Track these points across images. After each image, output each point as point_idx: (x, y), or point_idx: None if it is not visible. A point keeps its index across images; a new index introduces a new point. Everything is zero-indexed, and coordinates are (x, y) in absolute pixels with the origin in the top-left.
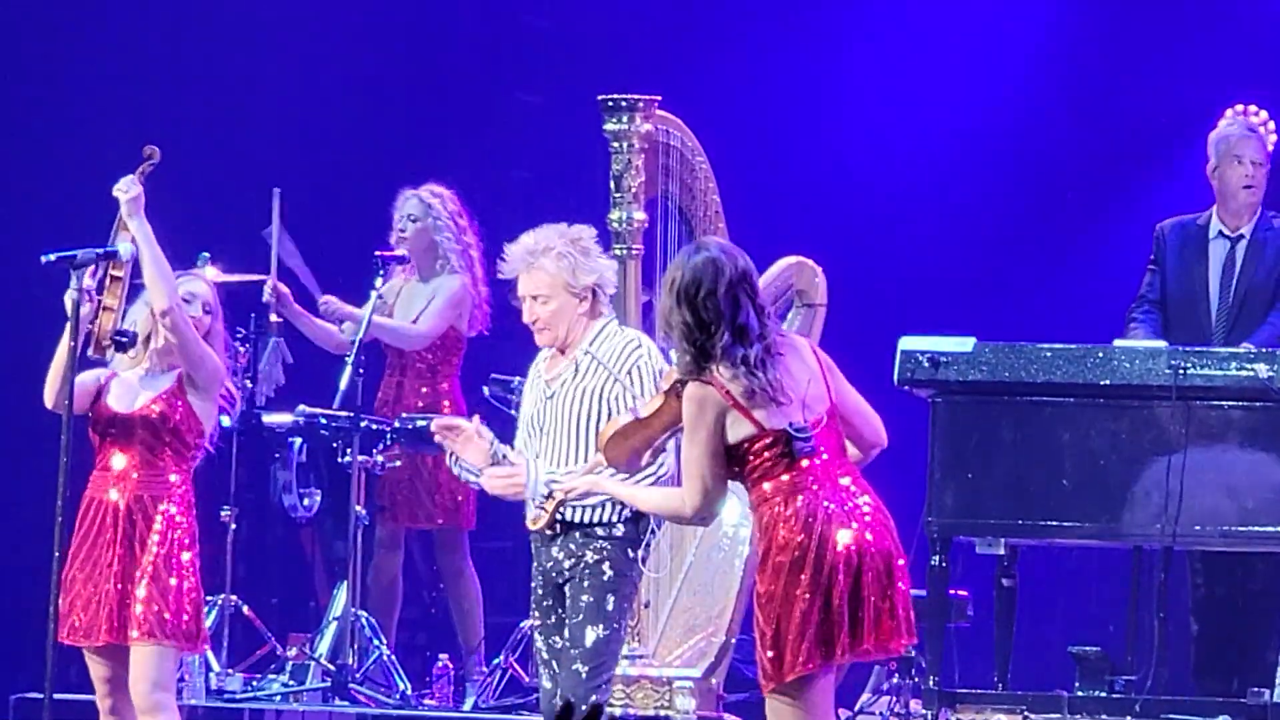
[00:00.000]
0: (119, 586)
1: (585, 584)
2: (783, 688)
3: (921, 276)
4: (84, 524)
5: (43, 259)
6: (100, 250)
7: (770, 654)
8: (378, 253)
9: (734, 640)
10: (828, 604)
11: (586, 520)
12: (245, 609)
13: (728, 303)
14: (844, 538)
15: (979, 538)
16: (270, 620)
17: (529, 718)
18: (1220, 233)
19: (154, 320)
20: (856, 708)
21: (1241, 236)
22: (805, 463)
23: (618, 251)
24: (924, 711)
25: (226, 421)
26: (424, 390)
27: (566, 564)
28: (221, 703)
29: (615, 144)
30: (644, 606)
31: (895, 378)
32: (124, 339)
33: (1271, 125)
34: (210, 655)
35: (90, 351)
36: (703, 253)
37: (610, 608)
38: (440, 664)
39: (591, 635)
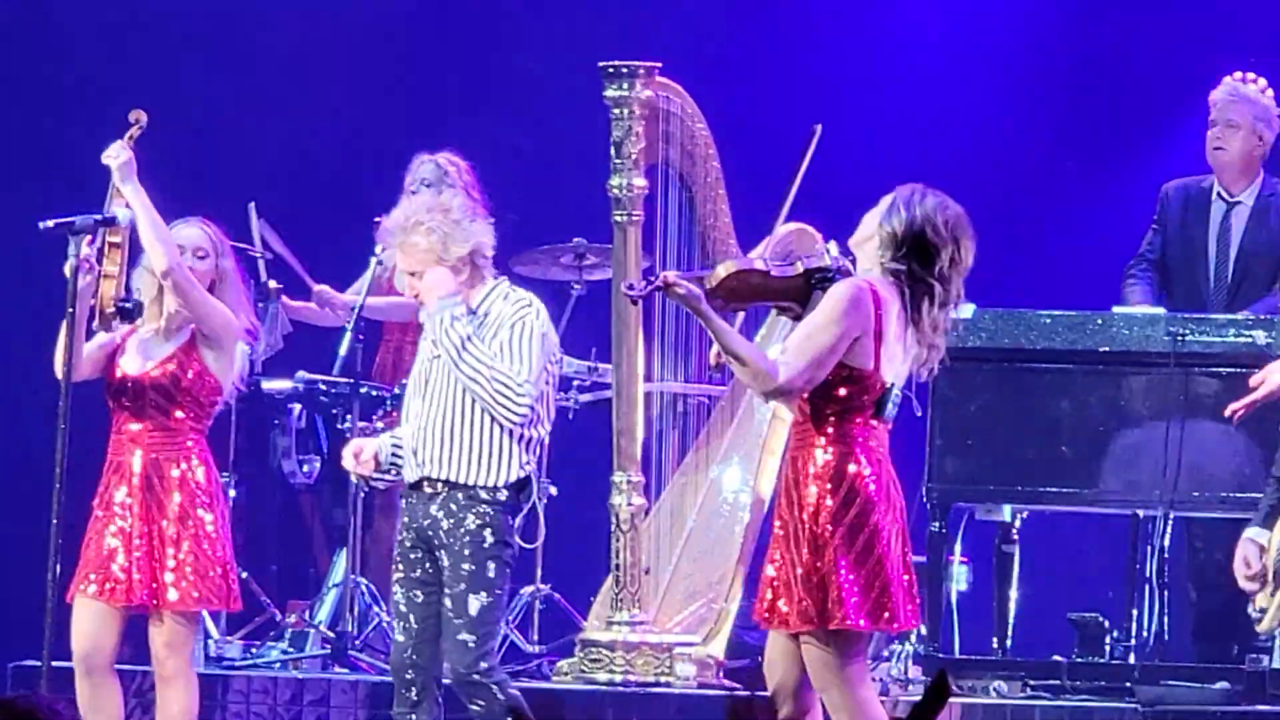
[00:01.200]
0: (141, 551)
1: (466, 551)
2: (840, 636)
3: None
4: (106, 489)
5: (41, 225)
6: (98, 216)
7: (836, 596)
8: (378, 219)
9: (735, 606)
10: (895, 568)
11: (469, 482)
12: (244, 576)
13: (952, 255)
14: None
15: (978, 504)
16: (269, 587)
17: (529, 685)
18: (1219, 195)
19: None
20: None
21: (1239, 202)
22: (879, 426)
23: (618, 218)
24: (924, 678)
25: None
26: None
27: (445, 524)
28: (220, 670)
29: (615, 110)
30: (644, 573)
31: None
32: (128, 306)
33: (1269, 92)
34: (209, 622)
35: (95, 324)
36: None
37: (492, 574)
38: None
39: (475, 604)
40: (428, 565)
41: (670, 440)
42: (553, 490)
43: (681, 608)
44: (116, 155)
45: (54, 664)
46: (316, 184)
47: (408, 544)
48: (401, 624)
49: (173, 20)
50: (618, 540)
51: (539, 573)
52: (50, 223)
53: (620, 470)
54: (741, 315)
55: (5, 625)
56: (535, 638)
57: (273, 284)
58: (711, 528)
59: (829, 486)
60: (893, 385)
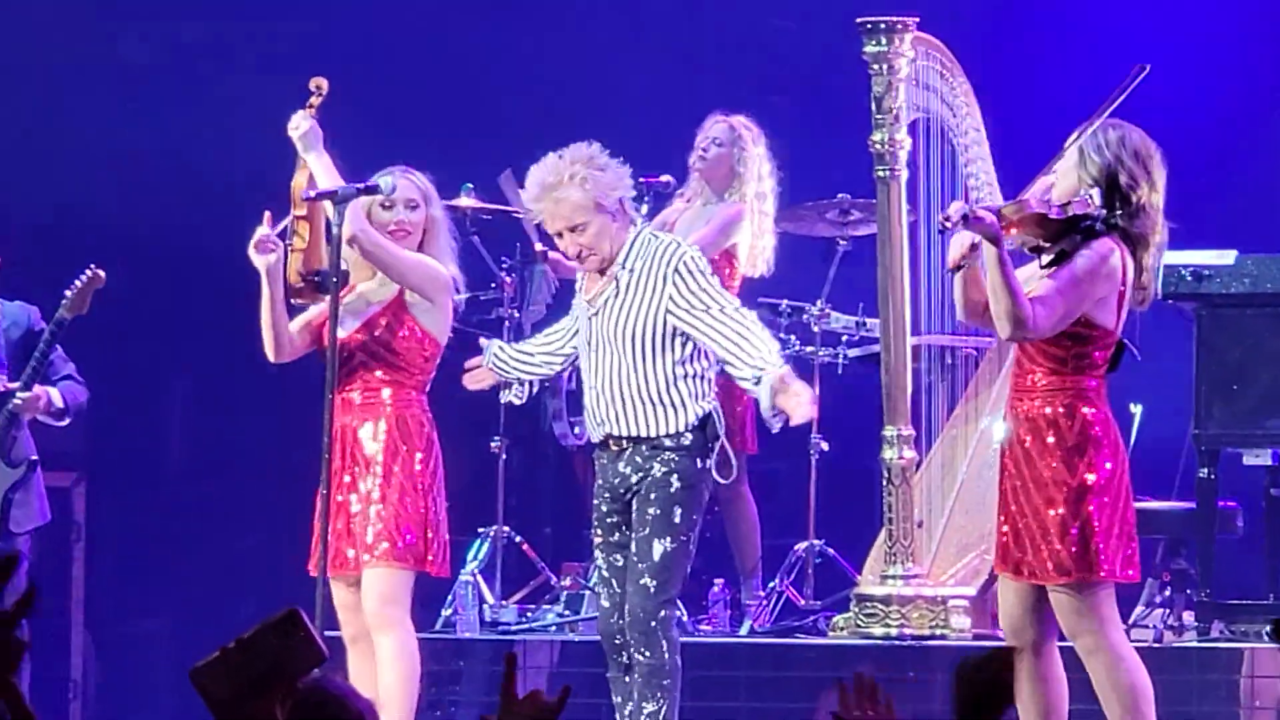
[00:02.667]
0: (350, 513)
1: (652, 496)
2: (1095, 585)
3: (1179, 190)
4: (329, 456)
5: (303, 197)
6: (360, 185)
7: (1095, 547)
8: (641, 179)
9: None
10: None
11: (652, 434)
12: (518, 540)
13: (1149, 188)
14: None
15: (1246, 449)
16: (543, 551)
17: (805, 640)
18: None
19: None
20: (1130, 620)
21: None
22: (1105, 377)
23: (880, 173)
24: (1197, 624)
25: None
26: None
27: (633, 478)
28: (496, 635)
29: (874, 66)
30: (917, 526)
31: (1159, 292)
32: (317, 279)
33: None
34: (484, 587)
35: (292, 299)
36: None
37: (678, 520)
38: (716, 589)
39: (659, 549)
40: (624, 528)
41: (939, 393)
42: (824, 446)
43: (955, 560)
44: (298, 126)
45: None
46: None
47: (604, 507)
48: (606, 590)
49: None
50: (889, 494)
51: (812, 528)
52: (312, 193)
53: (890, 424)
54: None
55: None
56: (810, 593)
57: (538, 246)
58: (982, 479)
59: (1072, 440)
60: (1124, 341)
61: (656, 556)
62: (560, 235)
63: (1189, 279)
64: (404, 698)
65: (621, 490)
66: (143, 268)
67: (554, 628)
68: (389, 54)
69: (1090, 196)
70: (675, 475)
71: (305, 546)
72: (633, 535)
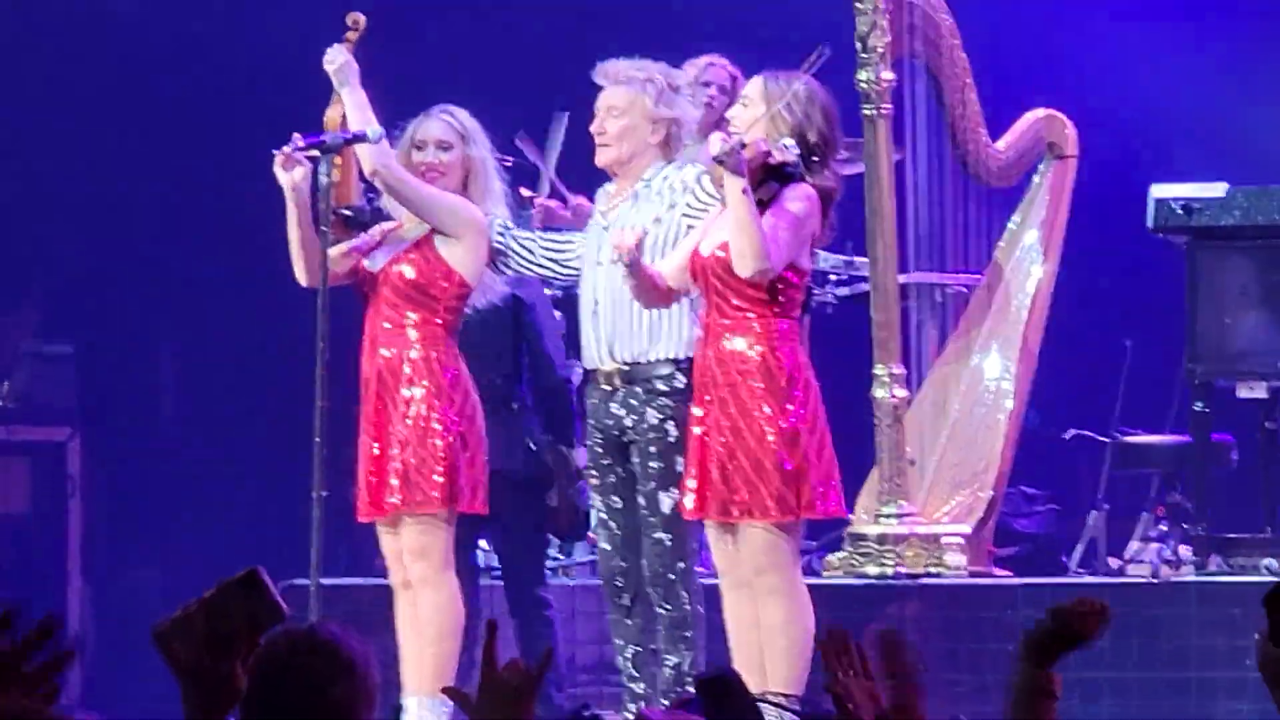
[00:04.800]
0: (378, 455)
1: (652, 449)
2: (796, 527)
3: (1168, 123)
4: (362, 398)
5: (293, 143)
6: (349, 135)
7: (814, 485)
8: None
9: (1001, 493)
10: None
11: (644, 375)
12: None
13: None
14: None
15: (1240, 382)
16: None
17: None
18: None
19: None
20: (1126, 555)
21: None
22: (800, 319)
23: (866, 112)
24: (1194, 558)
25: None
26: None
27: (627, 421)
28: (490, 580)
29: (859, 4)
30: (909, 464)
31: (1150, 225)
32: (349, 214)
33: None
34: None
35: (324, 228)
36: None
37: (680, 469)
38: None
39: (667, 501)
40: (619, 469)
41: (929, 331)
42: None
43: (948, 497)
44: (334, 60)
45: (323, 581)
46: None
47: (597, 449)
48: (605, 532)
49: None
50: (881, 433)
51: None
52: (301, 141)
53: (881, 363)
54: None
55: (275, 545)
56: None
57: (525, 192)
58: (974, 416)
59: (782, 380)
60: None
61: (666, 509)
62: (599, 112)
63: (1180, 212)
64: (434, 658)
65: (615, 433)
66: (139, 218)
67: (548, 572)
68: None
69: (788, 146)
70: (672, 422)
71: (300, 494)
72: (638, 488)
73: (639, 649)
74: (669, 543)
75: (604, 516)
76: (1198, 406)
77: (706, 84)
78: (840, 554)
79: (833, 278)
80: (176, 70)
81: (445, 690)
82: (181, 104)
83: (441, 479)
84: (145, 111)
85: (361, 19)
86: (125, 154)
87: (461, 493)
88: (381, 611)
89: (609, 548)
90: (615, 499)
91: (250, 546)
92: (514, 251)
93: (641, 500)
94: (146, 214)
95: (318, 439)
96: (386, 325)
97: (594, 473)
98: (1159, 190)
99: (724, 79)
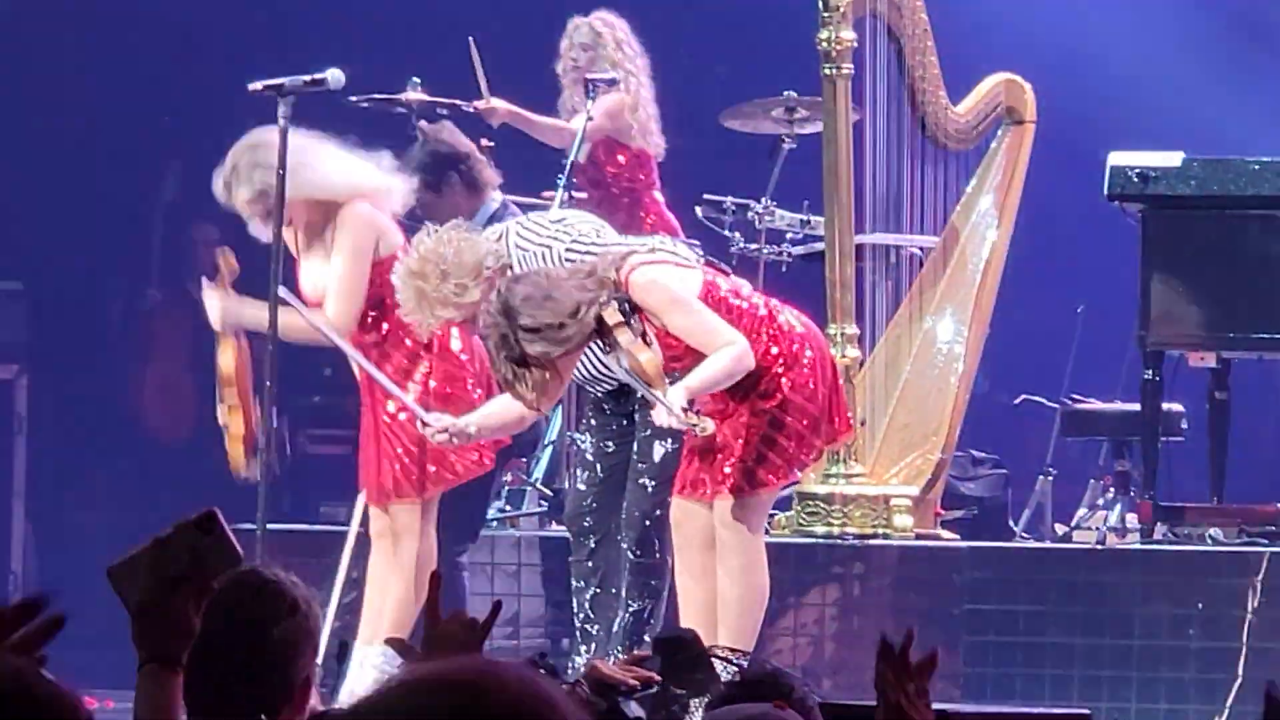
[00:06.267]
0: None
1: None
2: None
3: (1127, 92)
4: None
5: (250, 87)
6: (307, 77)
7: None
8: (587, 76)
9: (950, 457)
10: None
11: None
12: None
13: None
14: None
15: (1191, 351)
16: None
17: None
18: None
19: None
20: (1073, 522)
21: None
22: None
23: (826, 71)
24: (1140, 525)
25: None
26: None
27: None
28: None
29: None
30: (860, 425)
31: (1105, 192)
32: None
33: None
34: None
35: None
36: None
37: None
38: None
39: (659, 450)
40: (622, 419)
41: (884, 292)
42: None
43: (898, 459)
44: (211, 309)
45: (270, 527)
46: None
47: (600, 395)
48: (587, 473)
49: None
50: None
51: None
52: (259, 85)
53: (834, 323)
54: None
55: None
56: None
57: (421, 124)
58: (926, 378)
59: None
60: None
61: (657, 458)
62: None
63: (1135, 180)
64: (400, 605)
65: (623, 391)
66: (89, 160)
67: (495, 523)
68: None
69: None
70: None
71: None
72: (635, 436)
73: (599, 591)
74: (651, 489)
75: (590, 458)
76: (1148, 375)
77: (572, 46)
78: (789, 513)
79: (788, 236)
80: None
81: (389, 641)
82: (134, 42)
83: (407, 469)
84: (93, 49)
85: (232, 259)
86: (77, 91)
87: (433, 479)
88: (322, 557)
89: (584, 488)
90: (609, 443)
91: (194, 490)
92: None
93: (635, 446)
94: (101, 152)
95: (268, 382)
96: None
97: (593, 416)
98: (1116, 158)
99: (586, 36)
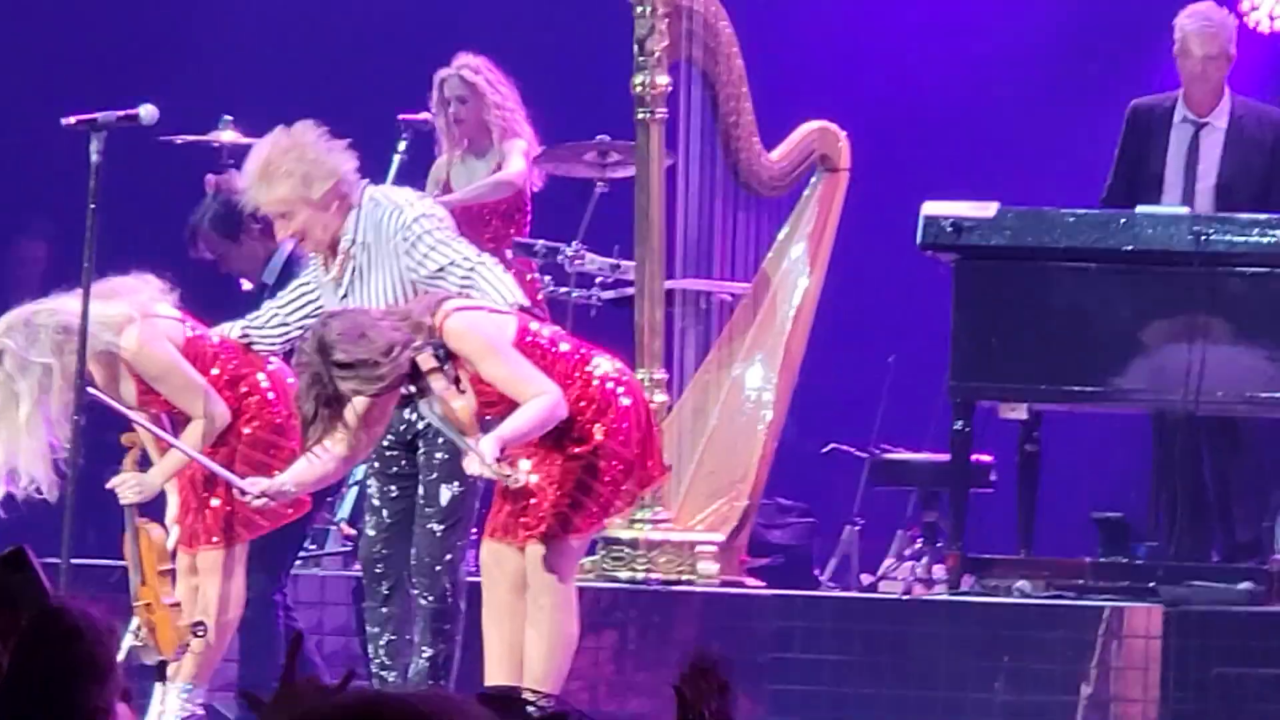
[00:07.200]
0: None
1: (440, 440)
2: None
3: (944, 142)
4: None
5: (63, 122)
6: (120, 113)
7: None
8: (400, 116)
9: (757, 504)
10: None
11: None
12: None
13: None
14: None
15: (1002, 402)
16: None
17: None
18: (1185, 118)
19: None
20: (879, 573)
21: (1208, 124)
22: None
23: (641, 115)
24: (947, 577)
25: None
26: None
27: (420, 425)
28: None
29: (638, 8)
30: (666, 469)
31: (918, 242)
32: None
33: (1231, 19)
34: None
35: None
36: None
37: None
38: None
39: (446, 494)
40: (404, 462)
41: (693, 337)
42: None
43: (704, 505)
44: (124, 496)
45: (74, 561)
46: (332, 83)
47: (385, 442)
48: (374, 519)
49: None
50: None
51: None
52: (72, 119)
53: (643, 367)
54: None
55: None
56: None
57: (210, 177)
58: (734, 425)
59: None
60: None
61: (444, 501)
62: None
63: (949, 230)
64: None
65: (405, 434)
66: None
67: (298, 562)
68: None
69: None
70: None
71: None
72: (420, 479)
73: (394, 638)
74: (440, 534)
75: (376, 503)
76: (958, 425)
77: (447, 101)
78: (593, 557)
79: (598, 280)
80: None
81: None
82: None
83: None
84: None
85: (137, 439)
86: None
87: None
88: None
89: (374, 533)
90: (393, 488)
91: None
92: (275, 339)
93: (421, 490)
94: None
95: (76, 417)
96: None
97: (377, 461)
98: (930, 208)
99: (458, 89)
